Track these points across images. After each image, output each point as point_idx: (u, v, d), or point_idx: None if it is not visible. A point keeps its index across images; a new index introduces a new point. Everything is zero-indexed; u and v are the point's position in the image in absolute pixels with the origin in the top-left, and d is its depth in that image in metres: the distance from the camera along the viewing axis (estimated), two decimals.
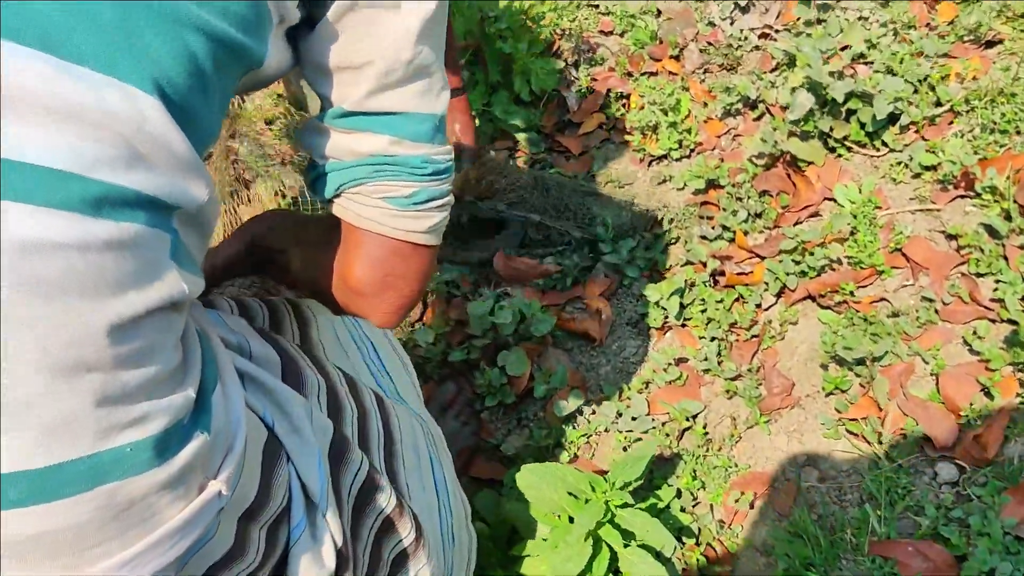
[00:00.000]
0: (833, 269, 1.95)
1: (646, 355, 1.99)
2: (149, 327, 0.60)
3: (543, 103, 2.53)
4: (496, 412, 1.97)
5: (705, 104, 2.44)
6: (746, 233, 2.12)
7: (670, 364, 1.91)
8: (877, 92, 2.08)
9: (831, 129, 2.15)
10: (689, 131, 2.36)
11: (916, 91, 2.16)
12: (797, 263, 1.95)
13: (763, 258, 2.03)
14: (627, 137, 2.42)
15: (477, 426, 1.95)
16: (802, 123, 2.14)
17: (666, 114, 2.38)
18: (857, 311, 1.85)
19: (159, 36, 0.61)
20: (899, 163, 2.09)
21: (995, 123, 2.03)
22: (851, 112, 2.15)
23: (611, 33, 2.69)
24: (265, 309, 1.10)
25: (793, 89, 2.20)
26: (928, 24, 2.36)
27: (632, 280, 2.12)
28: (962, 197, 1.96)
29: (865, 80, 2.13)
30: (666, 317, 2.00)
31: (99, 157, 0.56)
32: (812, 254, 1.95)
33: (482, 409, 1.97)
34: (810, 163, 2.17)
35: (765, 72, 2.47)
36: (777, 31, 2.57)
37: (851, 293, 1.86)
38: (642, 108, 2.41)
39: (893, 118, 2.14)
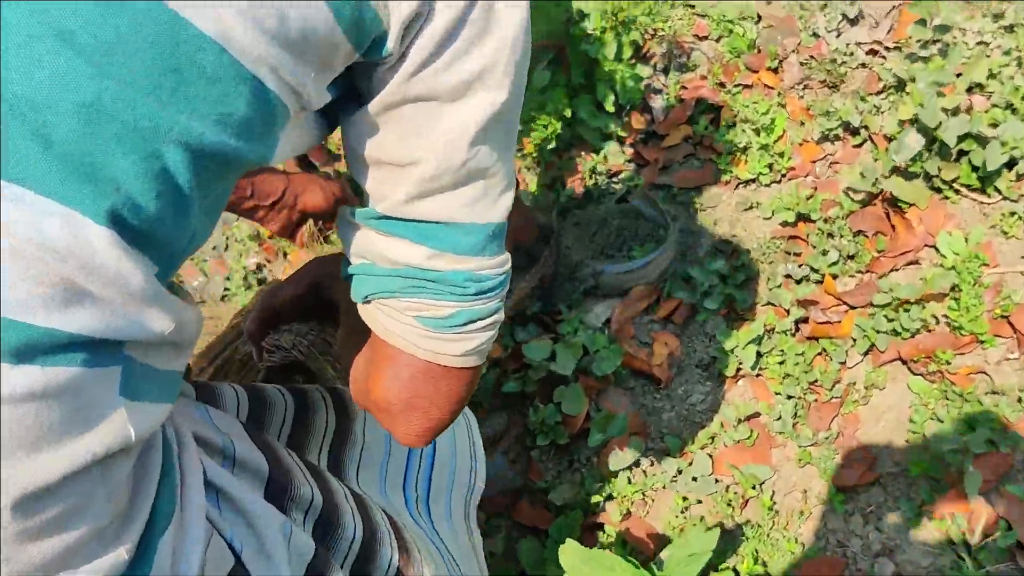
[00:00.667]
0: (929, 330, 1.77)
1: (715, 404, 1.84)
2: (74, 487, 0.51)
3: (627, 110, 2.37)
4: (547, 451, 1.85)
5: (802, 123, 2.26)
6: (835, 277, 1.95)
7: (740, 421, 1.76)
8: (993, 136, 1.88)
9: (939, 170, 1.96)
10: (782, 155, 2.18)
11: None
12: (890, 320, 1.78)
13: (852, 307, 1.86)
14: (713, 156, 2.25)
15: (526, 465, 1.83)
16: (908, 162, 1.95)
17: (758, 134, 2.20)
18: (952, 383, 1.68)
19: (128, 155, 0.50)
20: (1012, 214, 1.90)
21: None
22: (963, 152, 1.95)
23: (706, 38, 2.51)
24: (291, 400, 0.98)
25: (900, 122, 2.01)
26: None
27: (707, 315, 1.96)
28: None
29: (981, 117, 1.93)
30: (740, 365, 1.85)
31: (27, 297, 0.46)
32: (907, 311, 1.77)
33: (532, 447, 1.85)
34: (912, 204, 1.98)
35: (870, 94, 2.27)
36: (888, 48, 2.36)
37: (947, 362, 1.69)
38: (732, 126, 2.24)
39: (1010, 163, 1.94)
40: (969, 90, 2.12)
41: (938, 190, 1.99)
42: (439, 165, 0.68)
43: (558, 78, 2.27)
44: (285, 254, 2.33)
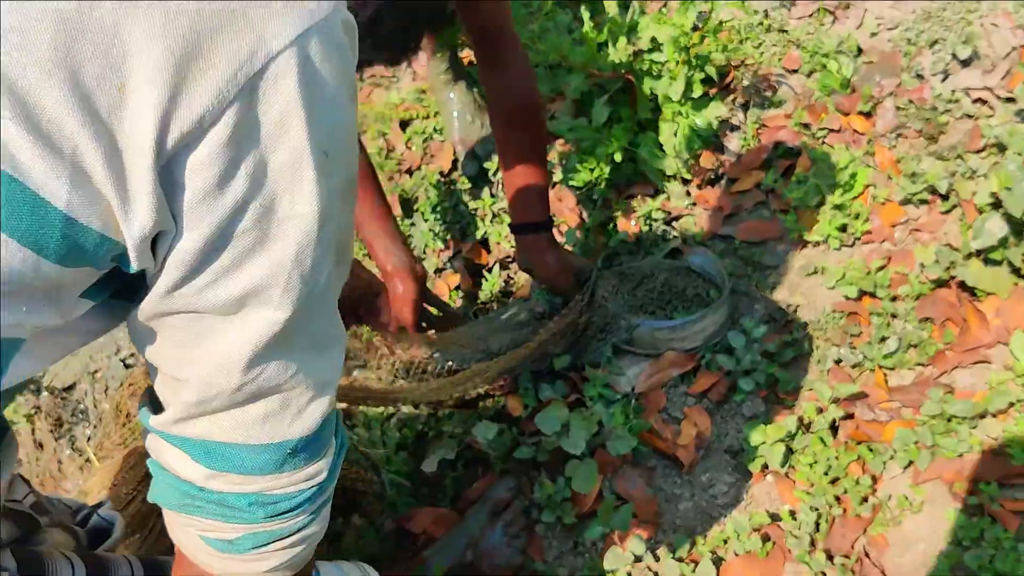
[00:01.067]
0: (983, 450, 1.57)
1: (738, 498, 1.69)
2: None
3: (695, 149, 2.19)
4: (553, 528, 1.73)
5: (889, 178, 2.04)
6: (892, 368, 1.76)
7: (755, 531, 1.61)
8: None
9: (1014, 268, 1.73)
10: (858, 216, 1.98)
11: None
12: (937, 434, 1.59)
13: (903, 407, 1.67)
14: (785, 208, 2.06)
15: (527, 542, 1.73)
16: (990, 246, 1.73)
17: (832, 191, 2.00)
18: (995, 519, 1.48)
19: None
20: None
21: None
22: None
23: (796, 71, 2.30)
24: (139, 570, 0.91)
25: (993, 196, 1.79)
26: None
27: (745, 396, 1.80)
28: None
29: None
30: (766, 463, 1.69)
31: None
32: (958, 427, 1.58)
33: (537, 521, 1.74)
34: (992, 293, 1.76)
35: (970, 152, 2.03)
36: (999, 98, 2.11)
37: (990, 497, 1.49)
38: (806, 179, 2.04)
39: None
40: None
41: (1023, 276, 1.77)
42: (207, 389, 0.59)
43: (623, 111, 2.12)
44: None
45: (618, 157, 1.99)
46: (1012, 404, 1.58)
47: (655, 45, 2.08)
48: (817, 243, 2.00)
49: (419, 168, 2.40)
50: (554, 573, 1.66)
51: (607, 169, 2.03)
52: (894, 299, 1.84)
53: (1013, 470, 1.51)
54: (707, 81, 2.08)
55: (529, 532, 1.73)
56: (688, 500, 1.72)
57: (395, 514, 1.78)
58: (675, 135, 2.05)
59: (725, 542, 1.63)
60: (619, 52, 2.05)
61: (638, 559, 1.62)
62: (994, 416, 1.58)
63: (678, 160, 2.07)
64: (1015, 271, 1.75)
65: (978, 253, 1.76)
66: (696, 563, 1.60)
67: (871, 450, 1.63)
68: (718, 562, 1.59)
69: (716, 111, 2.11)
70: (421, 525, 1.76)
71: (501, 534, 1.72)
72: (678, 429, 1.79)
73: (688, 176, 2.15)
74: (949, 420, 1.59)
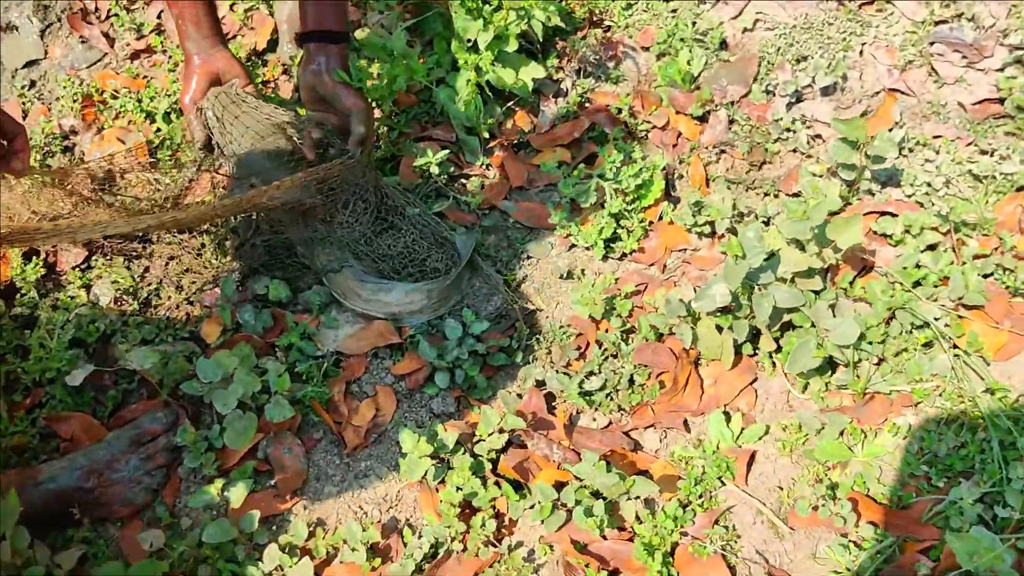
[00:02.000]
0: (622, 528, 1.46)
1: (385, 496, 1.58)
2: None
3: (513, 103, 2.00)
4: (196, 474, 1.63)
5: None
6: (592, 405, 1.63)
7: (369, 546, 1.50)
8: (826, 329, 1.50)
9: (753, 335, 1.58)
10: (630, 233, 1.81)
11: (898, 337, 1.55)
12: (581, 499, 1.47)
13: (579, 456, 1.55)
14: (569, 199, 1.89)
15: (161, 481, 1.62)
16: (717, 314, 1.58)
17: (616, 196, 1.81)
18: None
19: None
20: (799, 429, 1.52)
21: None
22: (792, 325, 1.58)
23: (648, 49, 2.08)
24: None
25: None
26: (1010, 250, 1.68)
27: (438, 391, 1.68)
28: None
29: (824, 293, 1.55)
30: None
31: None
32: (598, 499, 1.46)
33: (179, 464, 1.63)
34: (716, 359, 1.63)
35: (780, 192, 1.86)
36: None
37: None
38: (589, 176, 1.85)
39: (833, 364, 1.56)
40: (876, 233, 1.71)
41: (757, 346, 1.63)
42: None
43: (439, 43, 1.92)
44: (100, 129, 2.10)
45: (388, 90, 1.77)
46: (654, 498, 1.47)
47: None
48: (588, 247, 1.84)
49: (234, 38, 2.19)
50: (177, 522, 1.56)
51: (384, 99, 1.82)
52: (628, 332, 1.70)
53: (631, 564, 1.40)
54: (520, 37, 1.86)
55: (165, 474, 1.63)
56: (338, 484, 1.61)
57: (51, 413, 1.67)
58: (479, 85, 1.86)
59: (345, 542, 1.52)
60: None
61: (248, 536, 1.52)
62: (637, 499, 1.46)
63: (477, 114, 1.88)
64: (751, 341, 1.61)
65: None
66: (304, 556, 1.50)
67: (518, 491, 1.51)
68: (322, 565, 1.49)
69: (533, 73, 1.91)
70: (71, 430, 1.66)
71: (136, 466, 1.61)
72: (357, 406, 1.67)
73: (487, 135, 1.96)
74: (595, 491, 1.47)
